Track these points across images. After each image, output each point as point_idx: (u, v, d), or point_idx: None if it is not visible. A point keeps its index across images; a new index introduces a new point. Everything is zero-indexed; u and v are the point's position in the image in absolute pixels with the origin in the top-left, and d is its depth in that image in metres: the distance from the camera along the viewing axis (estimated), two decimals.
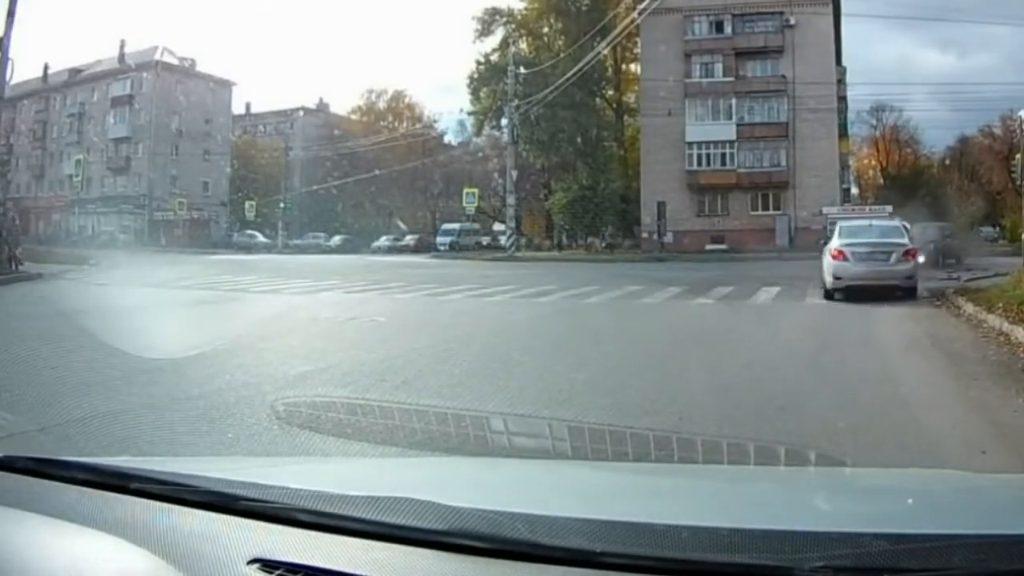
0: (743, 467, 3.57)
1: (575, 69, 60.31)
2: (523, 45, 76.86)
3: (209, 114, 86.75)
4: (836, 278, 22.76)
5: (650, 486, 3.05)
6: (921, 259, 24.74)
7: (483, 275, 34.87)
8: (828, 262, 23.18)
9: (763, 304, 22.63)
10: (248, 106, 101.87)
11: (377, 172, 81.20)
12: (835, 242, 23.62)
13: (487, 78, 73.85)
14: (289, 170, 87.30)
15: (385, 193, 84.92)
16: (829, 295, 22.88)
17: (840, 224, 26.09)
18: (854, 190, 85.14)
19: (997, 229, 70.16)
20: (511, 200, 60.81)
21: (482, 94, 75.13)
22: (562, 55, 68.90)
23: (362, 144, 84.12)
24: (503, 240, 61.44)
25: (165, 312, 19.91)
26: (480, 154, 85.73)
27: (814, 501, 2.80)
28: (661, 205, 59.05)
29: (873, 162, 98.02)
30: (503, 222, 64.97)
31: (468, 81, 77.73)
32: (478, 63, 76.38)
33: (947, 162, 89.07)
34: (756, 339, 15.23)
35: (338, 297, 24.63)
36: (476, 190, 65.48)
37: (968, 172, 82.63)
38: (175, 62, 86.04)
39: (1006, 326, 14.97)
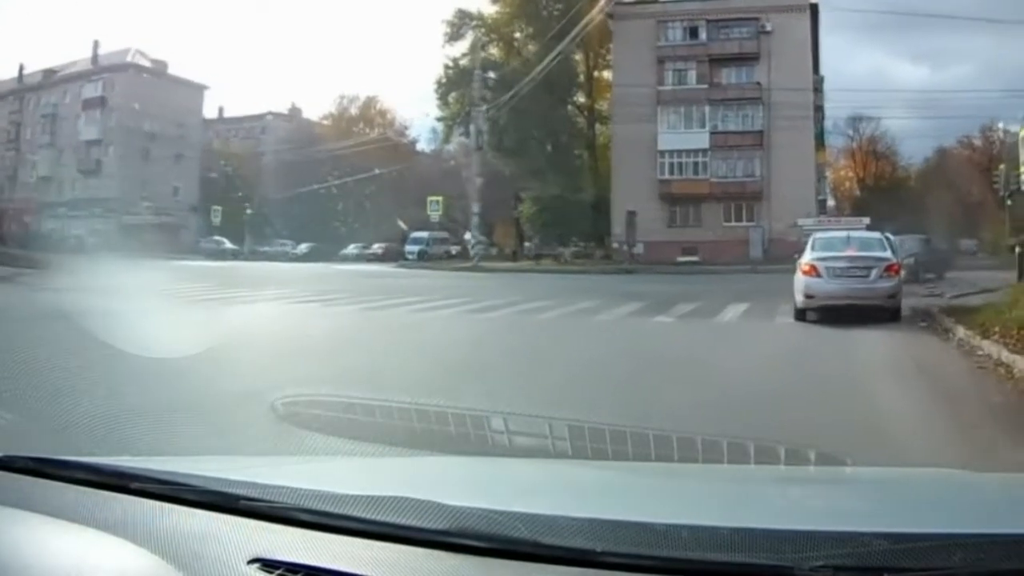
0: (743, 467, 3.53)
1: (536, 70, 60.17)
2: (493, 50, 75.84)
3: (180, 117, 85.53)
4: (808, 296, 20.73)
5: (650, 486, 3.05)
6: (901, 274, 22.34)
7: (440, 286, 34.60)
8: (799, 278, 21.09)
9: (727, 324, 21.04)
10: (221, 110, 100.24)
11: (347, 180, 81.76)
12: (807, 256, 21.59)
13: (455, 83, 72.60)
14: (260, 176, 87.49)
15: (355, 200, 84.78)
16: (801, 315, 20.82)
17: (814, 236, 23.97)
18: (831, 202, 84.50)
19: (976, 242, 69.42)
20: (476, 208, 59.81)
21: (450, 99, 74.12)
22: (535, 61, 66.71)
23: (332, 150, 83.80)
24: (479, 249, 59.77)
25: (51, 320, 18.55)
26: (452, 161, 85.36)
27: (814, 500, 2.81)
28: (631, 215, 58.30)
29: (850, 173, 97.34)
30: (476, 232, 63.31)
31: (436, 86, 76.04)
32: (446, 67, 74.82)
33: (925, 173, 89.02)
34: (711, 371, 12.85)
35: (272, 309, 23.96)
36: (440, 198, 64.47)
37: (947, 184, 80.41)
38: (147, 64, 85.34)
39: (1006, 355, 13.15)
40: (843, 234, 24.17)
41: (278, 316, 21.94)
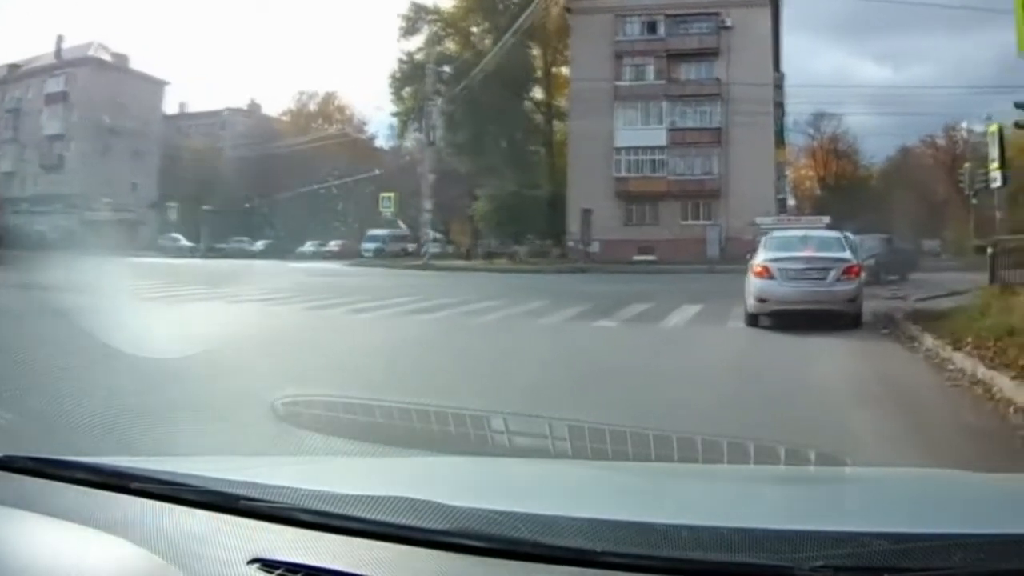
0: (743, 467, 3.53)
1: (484, 61, 59.67)
2: (450, 44, 74.99)
3: (141, 113, 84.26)
4: (760, 300, 19.44)
5: (650, 486, 3.07)
6: (862, 275, 20.59)
7: (385, 285, 34.32)
8: (751, 281, 19.84)
9: (674, 329, 19.65)
10: (182, 106, 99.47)
11: (306, 176, 79.67)
12: (759, 256, 20.35)
13: (410, 77, 71.67)
14: (218, 172, 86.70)
15: (313, 197, 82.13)
16: (753, 320, 19.52)
17: (767, 235, 23.01)
18: (791, 201, 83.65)
19: (939, 242, 68.92)
20: (427, 205, 59.26)
21: (405, 94, 73.34)
22: (492, 56, 65.43)
23: (290, 146, 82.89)
24: (430, 247, 59.25)
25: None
26: (408, 158, 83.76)
27: (814, 501, 2.81)
28: (586, 213, 57.52)
29: (811, 172, 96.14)
30: (433, 228, 63.13)
31: (390, 80, 75.53)
32: (401, 61, 74.09)
33: (888, 173, 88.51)
34: (640, 390, 11.20)
35: (209, 309, 23.30)
36: (393, 194, 63.64)
37: (910, 183, 79.81)
38: (108, 59, 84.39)
39: (983, 371, 11.65)
40: (799, 233, 22.84)
41: (212, 316, 21.29)
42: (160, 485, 2.45)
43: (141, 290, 26.55)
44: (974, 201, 55.85)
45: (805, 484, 3.21)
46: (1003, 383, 10.49)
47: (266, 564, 2.06)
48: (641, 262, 55.09)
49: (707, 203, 63.90)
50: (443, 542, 2.10)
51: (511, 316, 21.90)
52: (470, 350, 16.26)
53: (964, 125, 75.33)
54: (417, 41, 73.44)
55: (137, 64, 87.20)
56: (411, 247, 68.55)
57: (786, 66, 72.07)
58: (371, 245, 68.38)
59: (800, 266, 19.47)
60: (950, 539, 1.97)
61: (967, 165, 57.95)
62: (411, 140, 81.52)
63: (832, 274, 19.29)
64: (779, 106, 68.68)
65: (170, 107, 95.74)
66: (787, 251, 20.36)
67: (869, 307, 20.59)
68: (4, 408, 8.11)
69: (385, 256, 63.84)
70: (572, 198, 64.01)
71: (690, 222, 63.05)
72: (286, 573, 2.04)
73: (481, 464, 3.57)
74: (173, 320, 19.38)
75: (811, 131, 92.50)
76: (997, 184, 23.55)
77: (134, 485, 2.46)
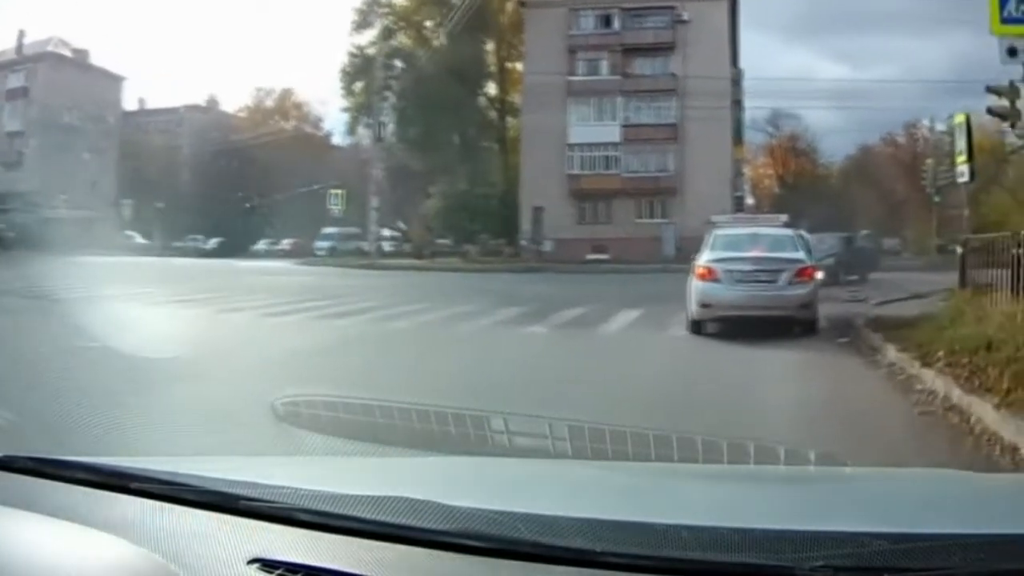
0: (743, 467, 3.52)
1: (431, 56, 57.69)
2: (402, 38, 74.27)
3: (100, 109, 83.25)
4: (703, 305, 17.91)
5: (650, 486, 3.06)
6: (819, 275, 18.66)
7: (324, 284, 33.83)
8: (694, 283, 18.27)
9: (608, 337, 18.29)
10: (142, 102, 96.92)
11: (262, 173, 79.91)
12: (703, 256, 18.80)
13: (361, 72, 70.76)
14: (176, 169, 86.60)
15: (269, 194, 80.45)
16: (696, 327, 18.04)
17: (713, 232, 20.88)
18: (750, 200, 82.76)
19: (899, 241, 68.52)
20: (374, 203, 58.36)
21: (355, 89, 72.67)
22: (445, 51, 67.22)
23: (247, 143, 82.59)
24: (386, 246, 59.96)
25: None
26: (365, 156, 79.61)
27: (814, 501, 2.80)
28: (537, 211, 57.24)
29: (770, 171, 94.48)
30: (391, 227, 64.26)
31: (341, 75, 74.64)
32: (352, 55, 73.24)
33: (847, 171, 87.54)
34: (544, 408, 8.79)
35: (126, 311, 21.23)
36: (341, 191, 62.49)
37: (869, 181, 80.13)
38: (68, 54, 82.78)
39: (958, 395, 9.88)
40: (748, 231, 20.87)
41: (127, 319, 19.55)
42: (160, 485, 2.43)
43: (56, 290, 25.25)
44: (936, 199, 54.80)
45: (805, 484, 3.16)
46: (984, 412, 8.82)
47: (266, 564, 2.04)
48: (594, 261, 54.28)
49: (662, 201, 62.92)
50: (443, 542, 2.07)
51: (435, 320, 20.84)
52: (366, 362, 14.44)
53: (925, 123, 74.63)
54: (370, 35, 72.96)
55: (97, 60, 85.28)
56: (366, 245, 66.17)
57: (745, 64, 71.71)
58: (324, 243, 67.19)
59: (748, 267, 17.93)
60: (950, 539, 1.95)
61: (929, 161, 57.44)
62: (367, 137, 79.65)
63: (784, 276, 17.80)
64: (737, 103, 67.75)
65: (130, 103, 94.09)
66: (734, 251, 18.80)
67: (826, 311, 19.31)
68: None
69: (339, 254, 62.45)
70: (524, 196, 63.05)
71: (645, 220, 62.05)
72: (286, 573, 2.01)
73: (481, 464, 3.53)
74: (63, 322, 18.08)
75: (770, 129, 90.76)
76: (964, 179, 21.45)
77: (134, 485, 2.44)
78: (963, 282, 19.05)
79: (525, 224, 60.85)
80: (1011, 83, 17.26)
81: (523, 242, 60.51)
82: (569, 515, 2.15)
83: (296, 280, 37.45)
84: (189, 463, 2.97)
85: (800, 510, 2.61)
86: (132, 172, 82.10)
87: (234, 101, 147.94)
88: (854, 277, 34.20)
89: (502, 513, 2.15)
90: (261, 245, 73.73)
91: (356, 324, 19.99)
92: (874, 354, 14.20)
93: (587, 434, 3.86)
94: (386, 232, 62.18)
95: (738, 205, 66.27)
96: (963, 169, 21.43)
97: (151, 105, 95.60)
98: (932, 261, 44.81)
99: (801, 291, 17.68)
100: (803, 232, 22.79)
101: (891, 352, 13.40)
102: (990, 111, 18.57)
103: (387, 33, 71.62)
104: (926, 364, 11.51)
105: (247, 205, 75.63)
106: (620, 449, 3.61)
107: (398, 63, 69.84)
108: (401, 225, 75.24)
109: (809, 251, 20.07)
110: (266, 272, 43.98)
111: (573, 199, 63.64)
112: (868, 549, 1.90)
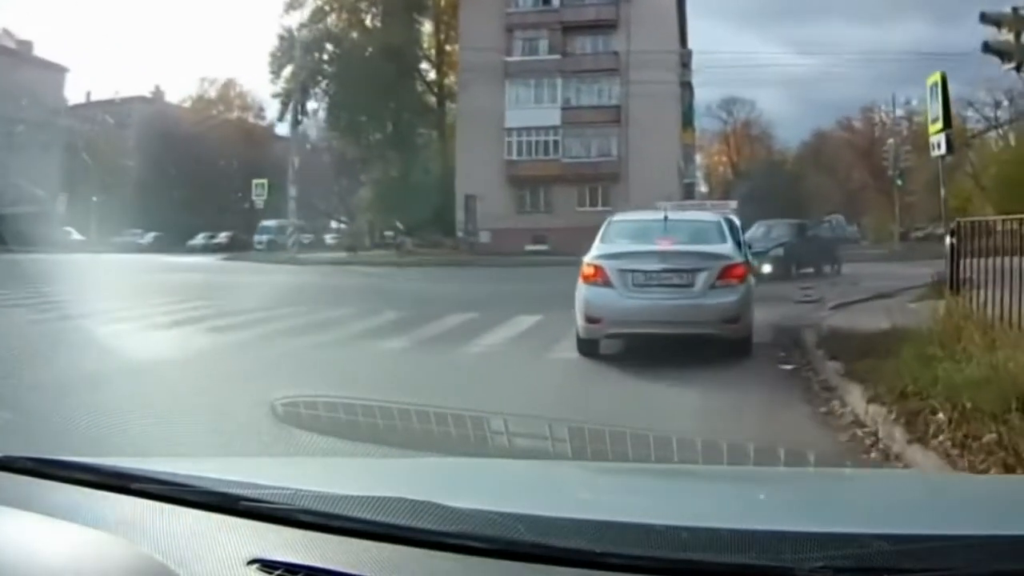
0: (743, 468, 3.48)
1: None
2: (334, 20, 70.20)
3: (42, 101, 79.00)
4: (590, 320, 13.34)
5: (650, 486, 3.04)
6: (767, 268, 13.91)
7: (210, 284, 31.39)
8: (579, 288, 13.65)
9: (479, 357, 14.28)
10: (88, 95, 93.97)
11: (203, 165, 77.69)
12: (594, 250, 13.94)
13: (290, 55, 66.50)
14: (118, 162, 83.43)
15: (209, 187, 79.52)
16: (587, 348, 13.53)
17: (611, 220, 15.49)
18: (703, 188, 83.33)
19: (857, 228, 66.12)
20: (292, 192, 55.18)
21: (284, 74, 68.88)
22: (379, 32, 64.71)
23: (189, 134, 79.82)
24: (328, 239, 59.91)
25: None
26: (308, 145, 78.78)
27: (814, 501, 2.76)
28: (470, 199, 55.50)
29: (724, 158, 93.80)
30: (338, 219, 64.30)
31: (270, 59, 70.65)
32: (281, 38, 69.46)
33: (803, 157, 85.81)
34: None
35: None
36: (265, 181, 58.75)
37: (826, 167, 78.86)
38: (12, 45, 79.74)
39: None
40: (655, 216, 15.28)
41: None
42: (160, 485, 2.41)
43: None
44: (899, 182, 51.06)
45: (805, 485, 3.08)
46: None
47: (266, 564, 2.03)
48: (534, 252, 52.01)
49: (605, 188, 59.83)
50: (443, 543, 2.06)
51: (282, 329, 17.51)
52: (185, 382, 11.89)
53: (883, 108, 72.75)
54: (300, 16, 69.79)
55: (42, 51, 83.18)
56: (306, 239, 64.69)
57: (696, 51, 69.24)
58: (263, 237, 64.78)
59: (652, 266, 13.12)
60: (950, 540, 1.94)
61: (891, 141, 55.20)
62: (314, 127, 78.42)
63: (703, 278, 12.94)
64: (686, 85, 65.73)
65: (77, 96, 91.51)
66: (636, 242, 14.03)
67: (770, 316, 15.71)
68: None
69: (277, 247, 59.98)
70: (460, 184, 60.68)
71: (587, 209, 58.09)
72: (285, 573, 2.01)
73: (481, 465, 3.44)
74: None
75: (724, 116, 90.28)
76: (941, 151, 17.07)
77: (134, 485, 2.42)
78: (954, 281, 13.97)
79: (461, 214, 58.76)
80: (1015, 10, 12.43)
81: (461, 233, 58.43)
82: (569, 516, 2.14)
83: (199, 278, 35.35)
84: (189, 463, 2.96)
85: (800, 511, 2.55)
86: (76, 165, 79.37)
87: (180, 92, 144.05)
88: (809, 269, 31.15)
89: (501, 514, 2.11)
90: (199, 239, 71.84)
91: (186, 335, 16.89)
92: (829, 399, 9.82)
93: (587, 435, 3.82)
94: (333, 224, 58.21)
95: (688, 192, 64.29)
96: (938, 139, 17.31)
97: (98, 97, 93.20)
98: (894, 250, 41.21)
99: (727, 299, 12.95)
100: (732, 216, 17.65)
101: (855, 398, 8.83)
102: (987, 47, 13.95)
103: (319, 14, 68.66)
104: (919, 439, 6.89)
105: (93, 198, 72.76)
106: (620, 450, 3.53)
107: (329, 46, 67.11)
108: (343, 217, 71.37)
109: (740, 243, 15.30)
110: (180, 268, 42.61)
111: (511, 187, 61.18)
112: (868, 550, 1.87)
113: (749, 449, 3.52)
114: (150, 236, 72.38)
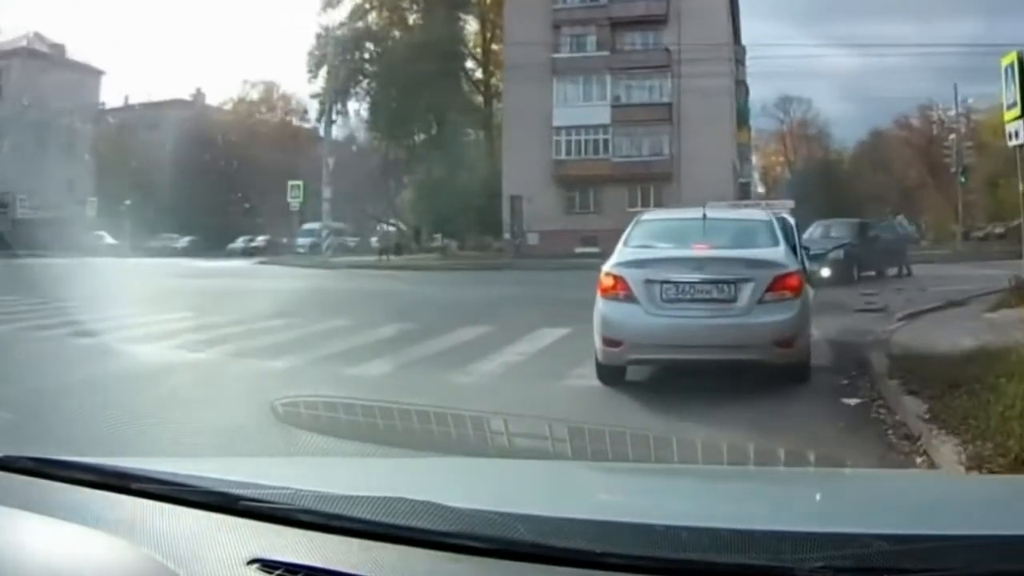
0: (743, 468, 3.47)
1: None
2: (375, 17, 68.99)
3: (76, 105, 79.60)
4: (609, 343, 10.82)
5: (650, 486, 3.02)
6: (826, 273, 11.91)
7: (226, 290, 30.00)
8: (597, 303, 11.17)
9: (468, 389, 11.32)
10: (127, 98, 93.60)
11: (244, 168, 77.15)
12: (616, 256, 11.49)
13: (328, 53, 65.08)
14: (157, 165, 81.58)
15: (251, 190, 78.75)
16: (608, 375, 11.05)
17: (638, 219, 12.89)
18: (760, 189, 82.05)
19: (917, 229, 62.77)
20: (327, 194, 54.07)
21: (322, 73, 67.32)
22: (422, 31, 62.37)
23: (231, 137, 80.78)
24: (374, 242, 58.25)
25: None
26: (354, 147, 77.91)
27: (814, 501, 2.74)
28: (515, 200, 53.69)
29: (780, 158, 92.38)
30: (386, 222, 62.40)
31: (307, 59, 69.91)
32: (319, 36, 67.92)
33: (860, 156, 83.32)
34: None
35: None
36: (301, 183, 56.81)
37: (883, 166, 76.54)
38: (44, 49, 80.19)
39: None
40: (692, 214, 12.75)
41: None
42: (160, 485, 2.42)
43: None
44: (962, 179, 48.79)
45: (805, 485, 3.07)
46: None
47: (266, 564, 2.03)
48: (583, 255, 49.01)
49: (657, 188, 57.90)
50: (442, 543, 2.06)
51: (246, 350, 14.91)
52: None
53: (940, 105, 70.45)
54: (339, 15, 68.32)
55: (78, 55, 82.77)
56: (351, 242, 64.47)
57: (750, 52, 67.45)
58: (305, 240, 62.35)
59: (686, 276, 10.62)
60: (950, 540, 1.94)
61: (952, 137, 52.09)
62: (362, 129, 76.84)
63: (749, 291, 10.43)
64: (741, 83, 64.29)
65: (115, 99, 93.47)
66: (665, 247, 11.63)
67: (830, 330, 13.61)
68: None
69: (320, 251, 58.26)
70: (507, 185, 59.11)
71: (638, 210, 53.97)
72: (285, 573, 2.00)
73: (481, 465, 3.43)
74: None
75: (780, 115, 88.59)
76: (1019, 140, 15.25)
77: (134, 485, 2.43)
78: None
79: (507, 215, 57.22)
80: None
81: (507, 235, 56.92)
82: (568, 516, 2.15)
83: (201, 283, 33.81)
84: (189, 463, 2.99)
85: (800, 511, 2.55)
86: (112, 169, 78.35)
87: (221, 95, 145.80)
88: (870, 272, 29.20)
89: (501, 514, 2.11)
90: (239, 243, 70.83)
91: (154, 350, 14.77)
92: (911, 453, 7.53)
93: (587, 435, 3.78)
94: (381, 227, 57.16)
95: (744, 192, 62.91)
96: (1016, 127, 15.37)
97: (141, 100, 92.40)
98: (957, 250, 39.00)
99: (779, 317, 10.41)
100: (786, 215, 14.90)
101: (948, 457, 6.58)
102: None
103: (358, 12, 67.48)
104: None
105: (127, 202, 71.79)
106: (620, 450, 3.50)
107: (369, 44, 65.99)
108: (391, 220, 69.96)
109: (795, 246, 12.89)
110: (199, 274, 40.57)
111: (559, 187, 59.70)
112: (868, 550, 1.87)
113: (749, 449, 3.52)
114: (185, 240, 71.92)
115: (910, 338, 13.26)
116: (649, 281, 10.57)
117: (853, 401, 9.87)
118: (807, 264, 13.14)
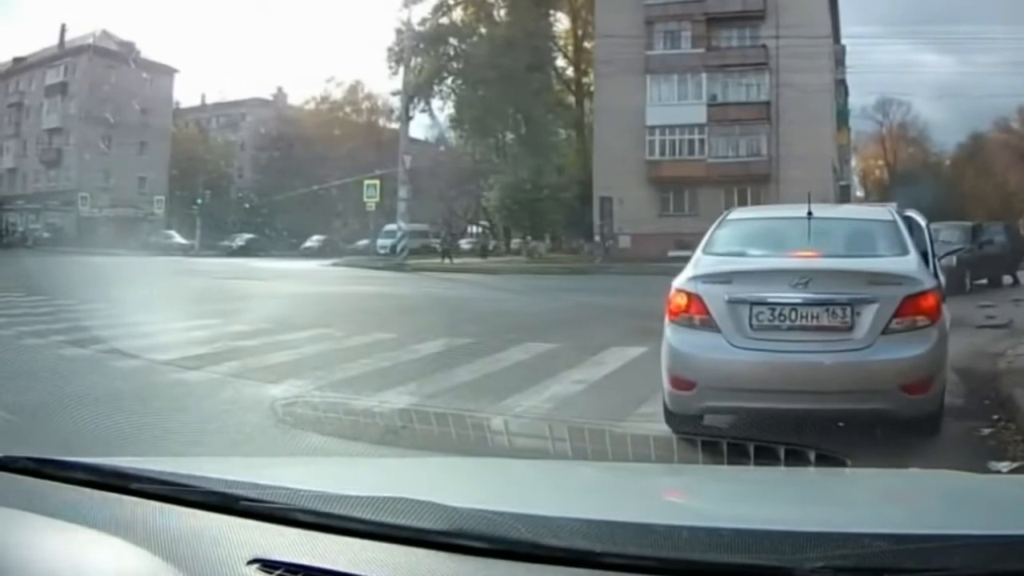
0: (743, 467, 3.44)
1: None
2: (460, 13, 67.25)
3: (148, 103, 78.51)
4: (680, 385, 7.87)
5: (650, 486, 3.03)
6: (946, 317, 9.19)
7: (271, 293, 27.91)
8: (666, 331, 8.23)
9: (515, 426, 6.30)
10: (204, 97, 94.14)
11: (325, 170, 72.83)
12: (689, 269, 8.36)
13: (412, 50, 62.99)
14: (234, 165, 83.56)
15: (333, 190, 75.18)
16: (679, 424, 7.75)
17: (724, 218, 9.83)
18: (860, 192, 78.98)
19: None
20: (403, 193, 51.79)
21: (411, 67, 65.85)
22: (508, 27, 59.81)
23: (313, 136, 77.76)
24: (463, 243, 58.29)
25: None
26: (442, 147, 76.30)
27: (814, 501, 2.76)
28: (605, 202, 51.73)
29: (879, 161, 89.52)
30: (478, 223, 62.35)
31: (388, 55, 68.08)
32: (399, 32, 66.09)
33: (960, 159, 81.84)
34: None
35: None
36: (377, 182, 54.72)
37: (984, 169, 74.75)
38: (114, 47, 79.02)
39: None
40: (792, 212, 9.80)
41: None
42: (160, 485, 2.43)
43: None
44: None
45: (805, 484, 3.07)
46: None
47: (266, 564, 2.04)
48: (676, 259, 44.75)
49: (755, 189, 55.45)
50: (443, 543, 2.07)
51: (259, 367, 12.62)
52: None
53: None
54: (422, 10, 66.69)
55: (152, 55, 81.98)
56: (435, 243, 61.61)
57: (848, 56, 65.86)
58: (386, 241, 60.63)
59: (786, 294, 7.74)
60: (950, 539, 1.94)
61: None
62: (449, 130, 75.52)
63: (871, 316, 7.55)
64: (840, 83, 62.33)
65: (192, 98, 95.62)
66: (759, 255, 8.83)
67: (953, 353, 9.18)
68: None
69: (400, 253, 56.88)
70: (597, 186, 57.59)
71: None
72: (286, 573, 2.01)
73: (481, 464, 3.36)
74: None
75: (879, 117, 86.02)
76: None
77: (134, 485, 2.44)
78: None
79: (598, 217, 55.39)
80: None
81: (598, 237, 54.95)
82: (569, 516, 2.14)
83: (259, 287, 31.34)
84: (189, 463, 3.00)
85: (800, 510, 2.57)
86: (185, 168, 78.93)
87: (304, 94, 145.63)
88: (982, 280, 26.74)
89: (501, 514, 2.12)
90: (313, 242, 70.27)
91: (148, 365, 12.68)
92: None
93: (587, 435, 3.76)
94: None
95: (844, 195, 60.56)
96: None
97: (222, 99, 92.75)
98: None
99: (911, 353, 7.52)
100: (914, 214, 11.20)
101: None
102: None
103: (442, 7, 65.92)
104: None
105: (198, 201, 69.83)
106: (620, 450, 3.43)
107: (454, 40, 64.51)
108: (482, 221, 68.52)
109: (927, 255, 9.10)
110: (257, 275, 38.52)
111: (653, 188, 58.01)
112: (868, 549, 1.88)
113: (749, 449, 3.44)
114: (240, 239, 70.50)
115: None
116: (735, 302, 7.79)
117: (1004, 466, 6.87)
118: (942, 279, 9.77)
